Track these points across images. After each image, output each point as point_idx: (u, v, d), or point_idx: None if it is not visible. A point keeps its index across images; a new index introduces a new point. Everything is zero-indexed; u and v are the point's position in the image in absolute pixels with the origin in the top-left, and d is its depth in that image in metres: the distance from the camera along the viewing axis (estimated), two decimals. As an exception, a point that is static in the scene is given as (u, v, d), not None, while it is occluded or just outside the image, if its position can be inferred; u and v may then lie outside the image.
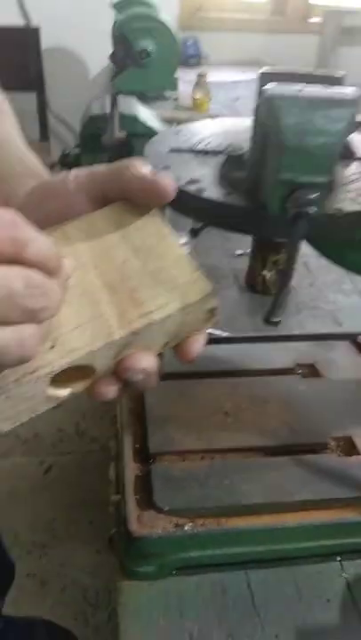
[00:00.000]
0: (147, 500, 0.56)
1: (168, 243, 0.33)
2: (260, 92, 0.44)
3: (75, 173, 0.36)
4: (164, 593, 0.54)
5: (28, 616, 1.08)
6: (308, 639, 0.51)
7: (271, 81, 0.45)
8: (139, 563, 0.54)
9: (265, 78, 0.45)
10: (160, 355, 0.34)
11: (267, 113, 0.42)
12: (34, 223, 0.36)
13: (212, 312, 0.33)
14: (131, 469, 0.59)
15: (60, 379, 0.30)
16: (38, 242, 0.27)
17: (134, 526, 0.53)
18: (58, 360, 0.29)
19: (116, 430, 0.69)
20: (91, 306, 0.31)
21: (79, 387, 0.32)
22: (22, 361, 0.27)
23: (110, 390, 0.32)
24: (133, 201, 0.34)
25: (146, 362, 0.32)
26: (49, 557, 1.25)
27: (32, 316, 0.26)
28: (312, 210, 0.40)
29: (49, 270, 0.27)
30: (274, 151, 0.42)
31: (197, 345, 0.34)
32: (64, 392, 0.31)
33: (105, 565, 1.21)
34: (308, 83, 0.44)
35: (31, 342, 0.27)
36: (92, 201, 0.35)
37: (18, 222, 0.26)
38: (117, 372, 0.32)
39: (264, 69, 0.45)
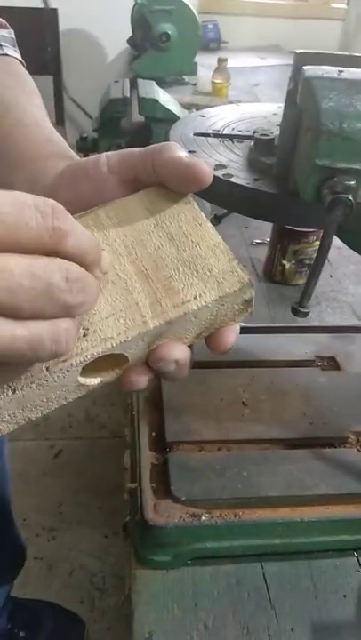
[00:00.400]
0: (163, 490, 0.56)
1: (204, 230, 0.32)
2: (296, 74, 0.43)
3: (107, 156, 0.34)
4: (179, 582, 0.53)
5: (35, 599, 1.09)
6: (323, 634, 0.50)
7: (308, 62, 0.43)
8: (154, 551, 0.54)
9: (301, 59, 0.43)
10: (191, 345, 0.33)
11: (304, 95, 0.41)
12: (64, 205, 0.35)
13: (248, 303, 0.31)
14: (147, 458, 0.59)
15: (91, 367, 0.29)
16: (79, 233, 0.25)
17: (150, 515, 0.53)
18: (91, 349, 0.28)
19: (132, 418, 0.69)
20: (124, 294, 0.30)
21: (110, 376, 0.31)
22: (56, 356, 0.26)
23: (141, 380, 0.31)
24: (168, 186, 0.33)
25: (179, 352, 0.31)
26: (57, 541, 1.25)
27: (69, 311, 0.25)
28: (349, 197, 0.38)
29: (88, 263, 0.26)
30: (310, 135, 0.41)
31: (231, 336, 0.32)
32: (95, 381, 0.30)
33: (112, 550, 1.22)
34: (346, 65, 0.42)
35: (67, 338, 0.26)
36: (124, 185, 0.34)
37: (59, 212, 0.25)
38: (149, 361, 0.31)
39: (300, 50, 0.44)
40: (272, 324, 0.81)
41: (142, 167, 0.34)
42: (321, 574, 0.54)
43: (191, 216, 0.33)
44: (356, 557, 0.56)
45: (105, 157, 0.35)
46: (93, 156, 0.35)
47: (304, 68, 0.41)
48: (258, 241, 1.09)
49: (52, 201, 0.25)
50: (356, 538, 0.55)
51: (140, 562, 0.55)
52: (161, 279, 0.30)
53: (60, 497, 1.34)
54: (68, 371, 0.28)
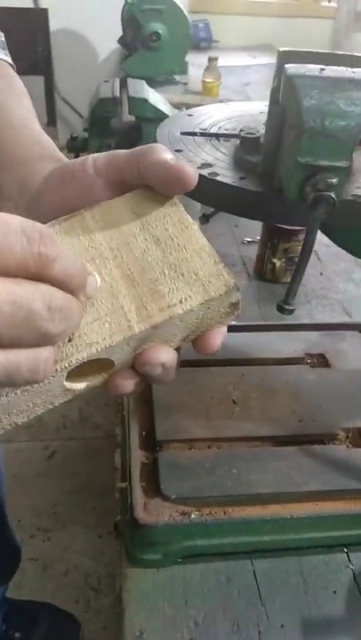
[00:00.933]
0: (153, 488, 0.56)
1: (190, 233, 0.32)
2: (279, 72, 0.43)
3: (94, 158, 0.34)
4: (170, 580, 0.53)
5: (31, 600, 1.09)
6: (313, 630, 0.50)
7: (291, 60, 0.43)
8: (144, 550, 0.54)
9: (284, 57, 0.43)
10: (178, 348, 0.33)
11: (286, 93, 0.41)
12: (51, 207, 0.35)
13: (234, 306, 0.31)
14: (137, 457, 0.59)
15: (76, 372, 0.29)
16: (65, 259, 0.25)
17: (140, 514, 0.53)
18: (76, 354, 0.28)
19: (123, 417, 0.69)
20: (109, 298, 0.30)
21: (96, 380, 0.31)
22: (33, 383, 0.26)
23: (128, 384, 0.31)
24: (154, 188, 0.33)
25: (165, 356, 0.30)
26: (51, 542, 1.25)
27: (49, 340, 0.25)
28: (332, 194, 0.38)
29: (73, 288, 0.26)
30: (292, 133, 0.41)
31: (218, 338, 0.32)
32: (80, 385, 0.30)
33: (107, 550, 1.22)
34: (329, 63, 0.43)
35: (45, 367, 0.25)
36: (111, 187, 0.34)
37: (46, 237, 0.24)
38: (135, 365, 0.31)
39: (283, 48, 0.44)
40: (262, 322, 0.81)
41: (128, 169, 0.33)
42: (311, 570, 0.55)
43: (177, 219, 0.32)
44: (346, 553, 0.56)
45: (91, 159, 0.34)
46: (80, 158, 0.35)
47: (286, 66, 0.41)
48: (248, 239, 1.09)
49: (40, 225, 0.24)
50: (346, 534, 0.56)
51: (130, 561, 0.55)
52: (147, 283, 0.30)
53: (54, 498, 1.34)
54: (53, 376, 0.28)
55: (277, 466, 0.58)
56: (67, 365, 0.28)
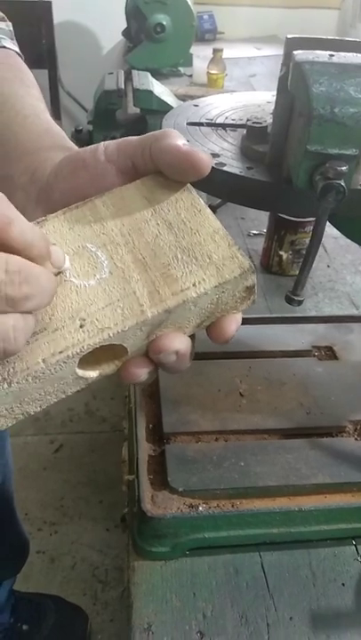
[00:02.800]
0: (160, 481, 0.55)
1: (203, 216, 0.31)
2: (287, 59, 0.42)
3: (105, 145, 0.34)
4: (178, 573, 0.53)
5: (38, 592, 1.10)
6: (322, 622, 0.50)
7: (299, 47, 0.42)
8: (152, 543, 0.54)
9: (292, 44, 0.43)
10: (193, 336, 0.32)
11: (295, 80, 0.40)
12: (63, 195, 0.34)
13: (250, 290, 0.31)
14: (144, 449, 0.59)
15: (89, 359, 0.29)
16: (22, 224, 0.24)
17: (148, 506, 0.53)
18: (87, 339, 0.28)
19: (130, 410, 0.69)
20: (122, 283, 0.29)
21: (110, 368, 0.30)
22: (5, 355, 0.25)
23: (142, 372, 0.30)
24: (165, 174, 0.32)
25: (179, 343, 0.30)
26: (59, 535, 1.26)
27: (14, 305, 0.24)
28: (341, 183, 0.38)
29: (35, 256, 0.25)
30: (301, 121, 0.40)
31: (233, 326, 0.31)
32: (94, 373, 0.30)
33: (114, 543, 1.23)
34: (338, 50, 0.42)
35: (15, 335, 0.25)
36: (122, 174, 0.33)
37: (1, 200, 0.24)
38: (149, 352, 0.30)
39: (291, 35, 0.43)
40: (269, 315, 0.80)
41: (140, 155, 0.33)
42: (319, 563, 0.54)
43: (190, 203, 0.32)
44: (355, 546, 0.56)
45: (103, 146, 0.34)
46: (91, 146, 0.35)
47: (294, 52, 0.40)
48: (255, 232, 1.09)
49: None
50: (355, 526, 0.55)
51: (138, 553, 0.55)
52: (159, 267, 0.30)
53: (61, 491, 1.34)
54: (64, 362, 0.27)
55: (285, 458, 0.58)
56: (78, 351, 0.27)
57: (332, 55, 0.39)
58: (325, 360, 0.72)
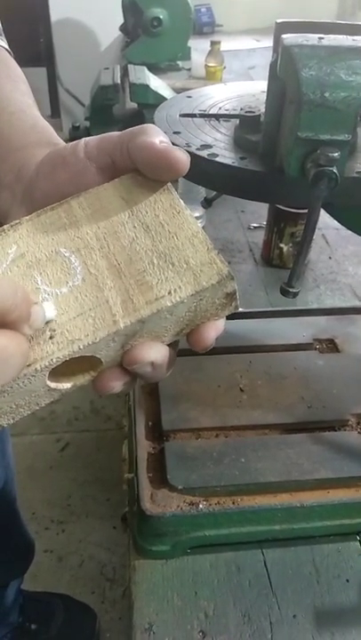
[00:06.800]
0: (160, 479, 0.55)
1: (182, 219, 0.30)
2: (277, 44, 0.41)
3: (86, 141, 0.32)
4: (179, 572, 0.53)
5: (46, 591, 1.10)
6: (326, 620, 0.49)
7: (288, 31, 0.41)
8: (153, 541, 0.53)
9: (281, 29, 0.41)
10: (175, 343, 0.31)
11: (284, 65, 0.39)
12: (43, 196, 0.33)
13: (230, 297, 0.29)
14: (144, 447, 0.58)
15: (62, 370, 0.27)
16: (2, 289, 0.22)
17: (147, 505, 0.52)
18: (57, 352, 0.26)
19: (129, 408, 0.68)
20: (94, 291, 0.28)
21: (85, 378, 0.29)
22: None
23: (117, 385, 0.29)
24: (143, 173, 0.31)
25: (154, 353, 0.28)
26: (66, 534, 1.25)
27: None
28: (334, 170, 0.37)
29: (13, 321, 0.23)
30: (292, 108, 0.39)
31: (212, 332, 0.30)
32: (66, 385, 0.28)
33: (121, 541, 1.22)
34: (328, 33, 0.41)
35: None
36: (102, 171, 0.32)
37: None
38: (123, 364, 0.29)
39: (281, 20, 0.42)
40: (269, 309, 0.79)
41: (118, 152, 0.31)
42: (323, 559, 0.53)
43: (168, 204, 0.30)
44: (359, 541, 0.55)
45: (83, 143, 0.33)
46: (72, 142, 0.34)
47: (283, 36, 0.39)
48: (255, 225, 1.07)
49: None
50: (358, 521, 0.54)
51: (139, 552, 0.54)
52: (134, 274, 0.28)
53: (67, 490, 1.34)
54: (33, 376, 0.26)
55: (286, 453, 0.57)
56: (47, 364, 0.26)
57: (321, 38, 0.38)
58: (327, 353, 0.70)
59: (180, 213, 0.30)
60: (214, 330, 0.30)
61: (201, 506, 0.53)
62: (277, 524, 0.54)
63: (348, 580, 0.52)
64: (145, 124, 0.32)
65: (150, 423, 0.62)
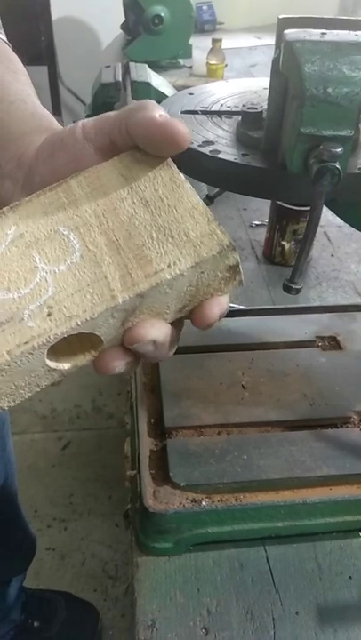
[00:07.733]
0: (162, 476, 0.55)
1: (182, 192, 0.29)
2: (279, 40, 0.41)
3: (83, 122, 0.32)
4: (182, 569, 0.53)
5: (49, 589, 1.10)
6: (329, 616, 0.49)
7: (291, 27, 0.41)
8: (155, 539, 0.53)
9: (284, 24, 0.41)
10: (179, 322, 0.30)
11: (287, 61, 0.39)
12: (41, 180, 0.33)
13: (233, 270, 0.28)
14: (146, 444, 0.58)
15: (62, 350, 0.27)
16: None
17: (150, 502, 0.52)
18: (54, 329, 0.26)
19: (131, 405, 0.68)
20: (93, 267, 0.28)
21: (86, 358, 0.29)
22: None
23: (118, 364, 0.29)
24: (143, 149, 0.31)
25: (156, 331, 0.28)
26: (68, 531, 1.26)
27: None
28: (336, 165, 0.36)
29: None
30: (295, 104, 0.39)
31: (215, 309, 0.29)
32: (67, 365, 0.28)
33: (124, 539, 1.22)
34: (331, 29, 0.40)
35: None
36: (101, 152, 0.32)
37: None
38: (124, 342, 0.28)
39: (283, 15, 0.42)
40: (271, 306, 0.79)
41: (117, 131, 0.31)
42: (325, 556, 0.53)
43: (168, 178, 0.30)
44: (362, 538, 0.55)
45: (81, 124, 0.32)
46: (70, 125, 0.33)
47: (285, 32, 0.39)
48: (257, 222, 1.07)
49: None
50: (361, 518, 0.54)
51: (141, 549, 0.54)
52: (133, 249, 0.28)
53: (70, 488, 1.34)
54: (30, 354, 0.26)
55: (289, 451, 0.57)
56: (44, 341, 0.26)
57: (324, 33, 0.38)
58: (329, 350, 0.70)
59: (180, 187, 0.30)
60: (218, 306, 0.29)
61: (203, 503, 0.53)
62: (280, 520, 0.54)
63: (350, 577, 0.52)
64: (143, 100, 0.31)
65: (152, 420, 0.62)
